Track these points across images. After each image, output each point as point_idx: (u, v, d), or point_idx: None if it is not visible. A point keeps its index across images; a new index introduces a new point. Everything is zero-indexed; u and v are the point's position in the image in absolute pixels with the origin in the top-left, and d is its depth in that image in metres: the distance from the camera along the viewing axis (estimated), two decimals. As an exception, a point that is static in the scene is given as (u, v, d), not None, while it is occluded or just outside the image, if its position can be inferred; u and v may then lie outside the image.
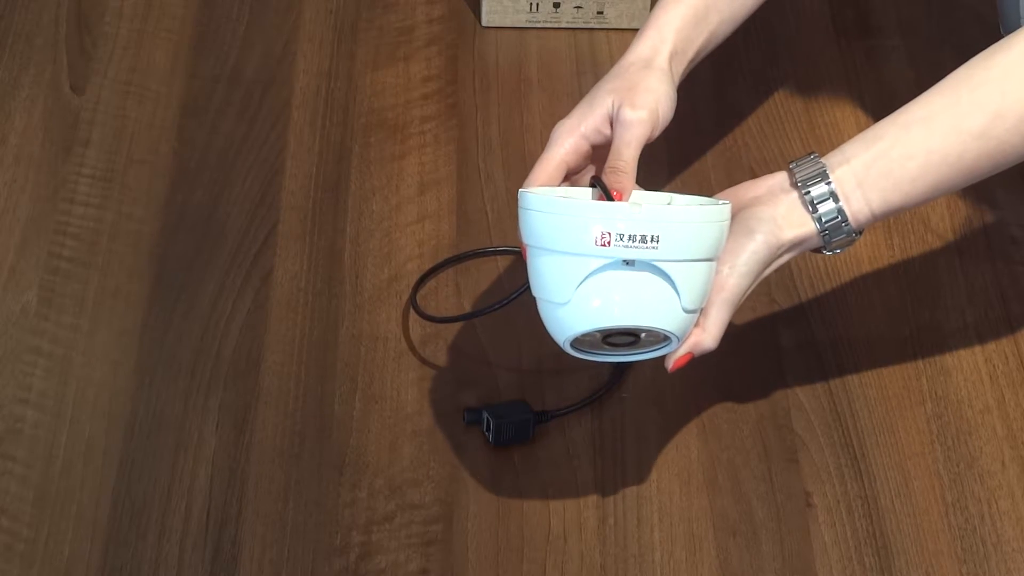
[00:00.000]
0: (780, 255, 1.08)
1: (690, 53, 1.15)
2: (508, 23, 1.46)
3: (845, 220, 1.06)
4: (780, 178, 1.09)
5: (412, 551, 1.12)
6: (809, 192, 1.06)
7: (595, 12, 1.45)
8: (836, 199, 1.06)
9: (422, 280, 1.26)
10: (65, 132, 1.38)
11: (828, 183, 1.06)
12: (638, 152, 1.09)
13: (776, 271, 1.08)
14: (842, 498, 1.15)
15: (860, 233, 1.08)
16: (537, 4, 1.45)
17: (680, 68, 1.14)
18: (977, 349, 1.24)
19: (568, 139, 1.10)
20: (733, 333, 1.19)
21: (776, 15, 1.47)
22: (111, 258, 1.29)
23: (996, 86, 1.04)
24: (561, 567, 1.12)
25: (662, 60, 1.12)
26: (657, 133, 1.11)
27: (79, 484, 1.15)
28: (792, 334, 1.25)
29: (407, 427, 1.19)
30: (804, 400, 1.21)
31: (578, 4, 1.45)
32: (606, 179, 1.06)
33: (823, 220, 1.06)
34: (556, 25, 1.46)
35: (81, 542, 1.12)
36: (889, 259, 1.29)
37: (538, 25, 1.47)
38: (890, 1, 1.48)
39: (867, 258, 1.29)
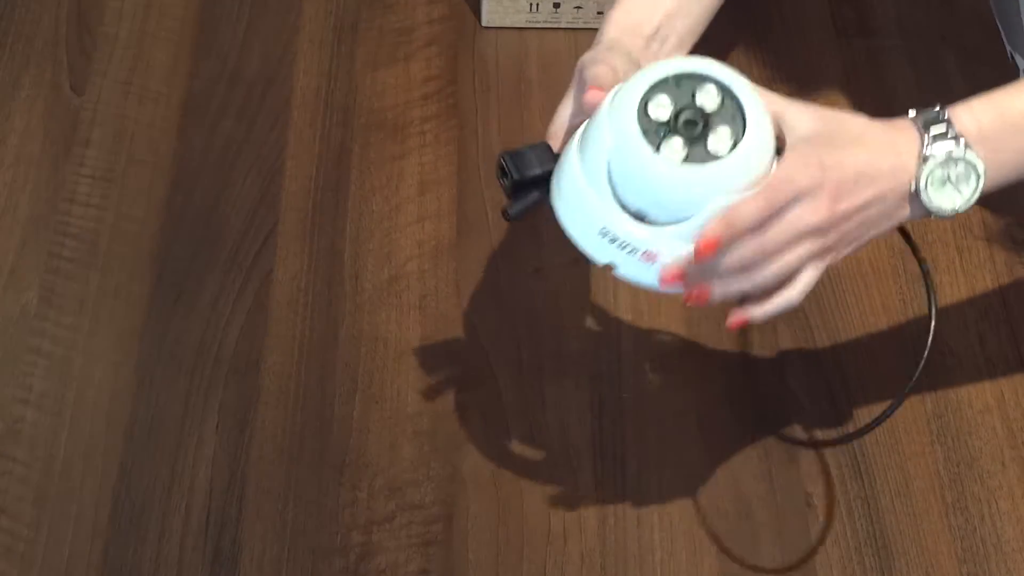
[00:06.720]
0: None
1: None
2: (508, 23, 1.46)
3: (951, 126, 0.97)
4: None
5: (412, 551, 1.12)
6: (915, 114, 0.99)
7: (595, 12, 1.45)
8: (942, 110, 0.98)
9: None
10: (65, 132, 1.38)
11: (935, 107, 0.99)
12: None
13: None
14: (842, 498, 1.15)
15: (969, 163, 0.97)
16: (537, 4, 1.45)
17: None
18: (977, 349, 1.24)
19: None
20: (733, 333, 1.19)
21: (776, 15, 1.47)
22: (111, 258, 1.29)
23: None
24: (561, 567, 1.12)
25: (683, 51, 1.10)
26: None
27: (79, 484, 1.15)
28: (792, 334, 1.24)
29: (407, 427, 1.19)
30: (804, 400, 1.21)
31: (578, 4, 1.45)
32: None
33: (926, 126, 0.97)
34: (556, 25, 1.46)
35: (81, 542, 1.12)
36: (889, 259, 1.29)
37: (538, 25, 1.46)
38: (890, 1, 1.48)
39: (867, 258, 1.29)
